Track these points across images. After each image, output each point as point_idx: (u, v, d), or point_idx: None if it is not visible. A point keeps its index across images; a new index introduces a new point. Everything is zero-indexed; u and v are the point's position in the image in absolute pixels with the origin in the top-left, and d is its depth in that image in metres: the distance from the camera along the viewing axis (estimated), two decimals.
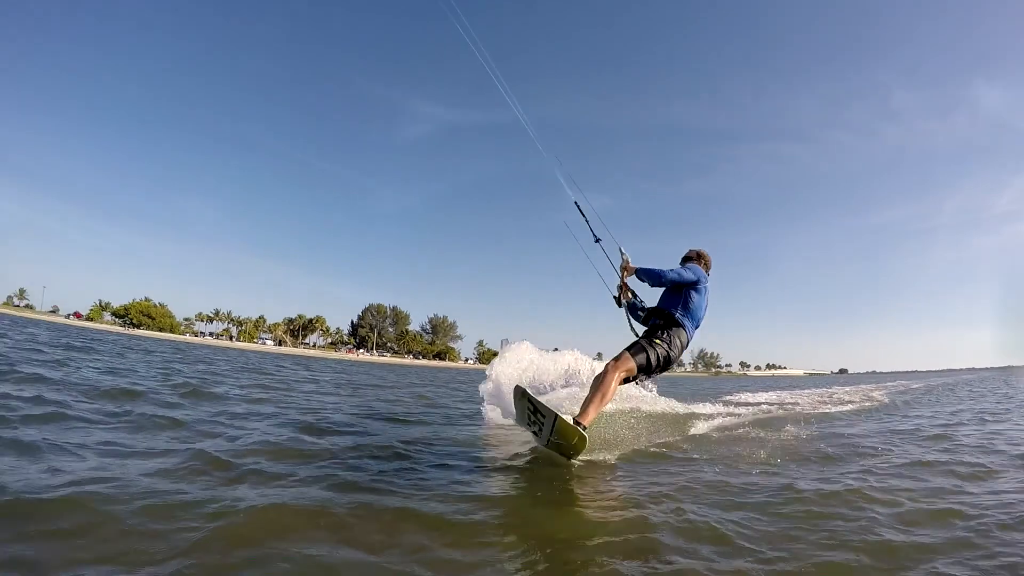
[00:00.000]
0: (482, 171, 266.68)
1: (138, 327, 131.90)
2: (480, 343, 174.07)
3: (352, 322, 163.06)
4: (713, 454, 7.09)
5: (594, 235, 8.02)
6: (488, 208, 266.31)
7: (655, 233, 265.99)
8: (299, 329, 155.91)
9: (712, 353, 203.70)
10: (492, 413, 9.93)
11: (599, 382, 6.38)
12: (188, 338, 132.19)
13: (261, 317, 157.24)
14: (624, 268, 7.63)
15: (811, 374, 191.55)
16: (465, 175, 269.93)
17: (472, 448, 7.25)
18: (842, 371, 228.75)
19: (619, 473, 5.96)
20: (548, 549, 3.56)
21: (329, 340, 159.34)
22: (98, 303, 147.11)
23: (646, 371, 6.73)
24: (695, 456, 6.86)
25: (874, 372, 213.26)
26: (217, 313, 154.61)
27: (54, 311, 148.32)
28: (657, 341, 6.84)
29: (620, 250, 7.71)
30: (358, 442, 6.79)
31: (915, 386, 33.18)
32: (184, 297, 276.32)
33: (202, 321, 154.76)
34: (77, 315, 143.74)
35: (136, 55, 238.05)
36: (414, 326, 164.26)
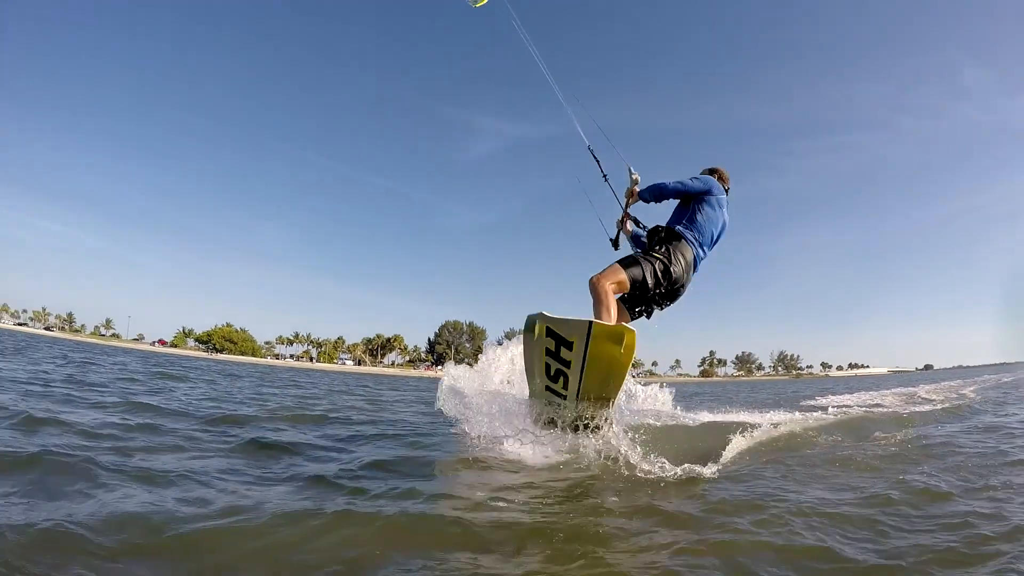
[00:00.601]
0: (553, 184, 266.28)
1: (221, 352, 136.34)
2: None
3: (429, 339, 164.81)
4: (807, 469, 6.51)
5: (603, 173, 7.23)
6: (560, 220, 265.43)
7: (730, 236, 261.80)
8: (378, 348, 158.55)
9: (792, 355, 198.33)
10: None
11: (595, 299, 5.81)
12: (269, 361, 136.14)
13: (340, 338, 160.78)
14: (630, 193, 6.90)
15: (895, 371, 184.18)
16: (537, 188, 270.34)
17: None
18: (927, 367, 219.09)
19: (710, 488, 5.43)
20: None
21: (407, 358, 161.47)
22: (182, 330, 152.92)
23: (642, 292, 6.16)
24: (786, 474, 6.32)
25: (960, 367, 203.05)
26: (297, 335, 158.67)
27: (139, 339, 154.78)
28: (654, 254, 6.23)
29: (629, 170, 6.87)
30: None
31: (1006, 379, 31.65)
32: (264, 321, 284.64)
33: (282, 344, 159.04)
34: (162, 342, 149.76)
35: (207, 91, 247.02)
36: (490, 341, 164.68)
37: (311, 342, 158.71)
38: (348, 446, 7.56)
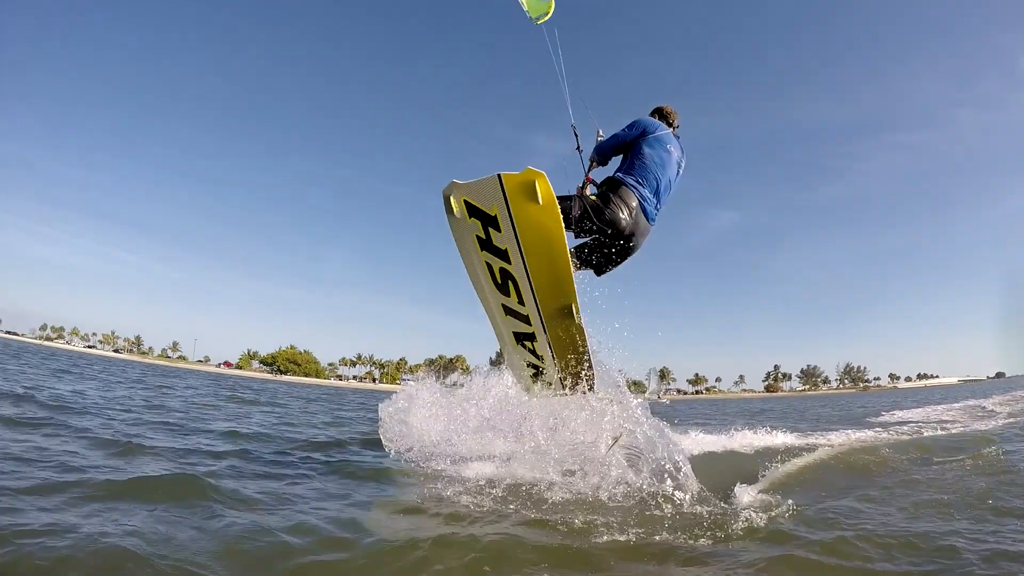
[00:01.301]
0: None
1: (285, 373, 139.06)
2: (620, 372, 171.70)
3: (490, 359, 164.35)
4: (878, 493, 6.16)
5: (577, 146, 6.98)
6: None
7: (792, 243, 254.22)
8: (440, 369, 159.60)
9: (859, 367, 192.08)
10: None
11: None
12: (333, 382, 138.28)
13: (402, 359, 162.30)
14: (592, 159, 6.76)
15: (966, 381, 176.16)
16: None
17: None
18: (999, 375, 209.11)
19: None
20: None
21: (470, 378, 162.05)
22: (246, 352, 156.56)
23: (566, 223, 5.61)
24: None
25: None
26: (360, 357, 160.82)
27: (204, 361, 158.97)
28: (587, 194, 6.10)
29: (597, 133, 6.78)
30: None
31: None
32: (327, 343, 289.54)
33: (345, 365, 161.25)
34: (227, 364, 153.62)
35: (269, 125, 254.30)
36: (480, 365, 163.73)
37: (374, 363, 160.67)
38: (428, 468, 7.60)
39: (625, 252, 6.34)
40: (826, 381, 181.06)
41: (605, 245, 6.24)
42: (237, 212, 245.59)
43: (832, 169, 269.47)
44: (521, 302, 5.86)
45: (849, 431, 12.34)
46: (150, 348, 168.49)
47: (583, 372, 6.51)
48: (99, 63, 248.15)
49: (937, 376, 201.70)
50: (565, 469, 6.64)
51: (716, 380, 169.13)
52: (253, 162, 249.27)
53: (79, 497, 4.91)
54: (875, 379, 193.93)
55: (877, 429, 12.71)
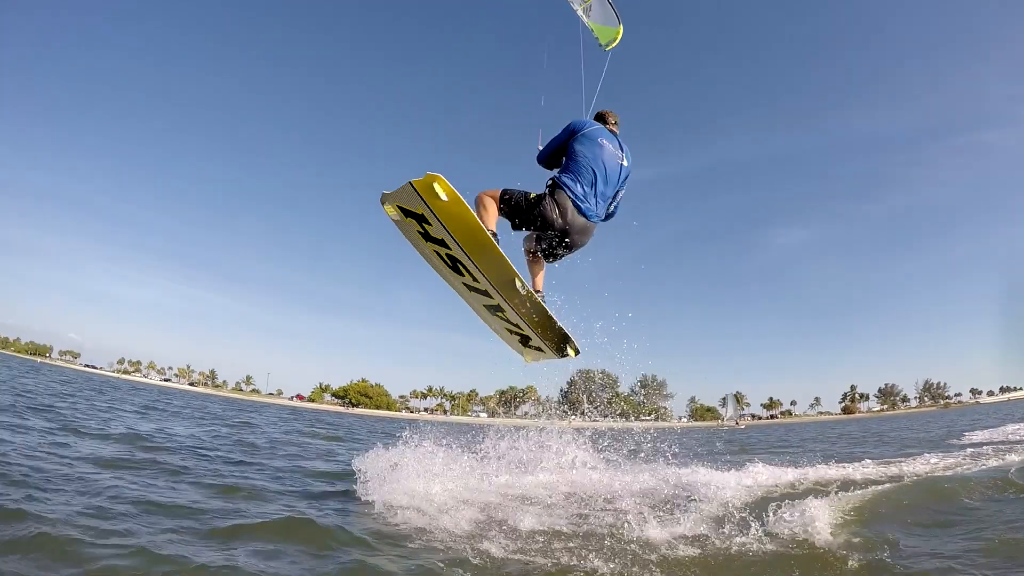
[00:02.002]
0: (675, 225, 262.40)
1: (356, 406, 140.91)
2: (692, 399, 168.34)
3: (562, 389, 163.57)
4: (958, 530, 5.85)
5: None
6: (688, 259, 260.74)
7: (862, 257, 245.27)
8: (511, 400, 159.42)
9: (939, 383, 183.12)
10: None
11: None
12: (404, 415, 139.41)
13: (473, 391, 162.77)
14: None
15: None
16: (659, 230, 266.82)
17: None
18: None
19: None
20: None
21: (541, 409, 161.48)
22: (319, 385, 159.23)
23: (509, 212, 6.50)
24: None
25: None
26: (430, 389, 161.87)
27: (277, 394, 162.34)
28: (531, 195, 6.56)
29: (539, 140, 7.30)
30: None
31: None
32: (398, 375, 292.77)
33: (416, 397, 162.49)
34: (299, 397, 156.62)
35: (331, 159, 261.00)
36: (623, 388, 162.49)
37: (444, 395, 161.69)
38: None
39: (568, 245, 6.70)
40: (905, 400, 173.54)
41: (546, 238, 6.63)
42: (307, 250, 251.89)
43: (897, 178, 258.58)
44: (475, 280, 6.60)
45: (931, 456, 11.95)
46: (224, 381, 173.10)
47: (561, 336, 7.12)
48: (165, 110, 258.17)
49: (1020, 388, 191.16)
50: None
51: (791, 404, 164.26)
52: (321, 204, 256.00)
53: (198, 539, 5.22)
54: (956, 395, 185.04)
55: (959, 453, 12.32)
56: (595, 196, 6.56)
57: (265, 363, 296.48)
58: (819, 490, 8.69)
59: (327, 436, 22.02)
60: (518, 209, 6.50)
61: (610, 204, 6.99)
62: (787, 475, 11.12)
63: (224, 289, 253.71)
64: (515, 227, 6.74)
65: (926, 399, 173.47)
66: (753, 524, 5.85)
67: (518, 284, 6.45)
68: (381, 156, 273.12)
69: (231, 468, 10.28)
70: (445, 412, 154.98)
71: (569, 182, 6.46)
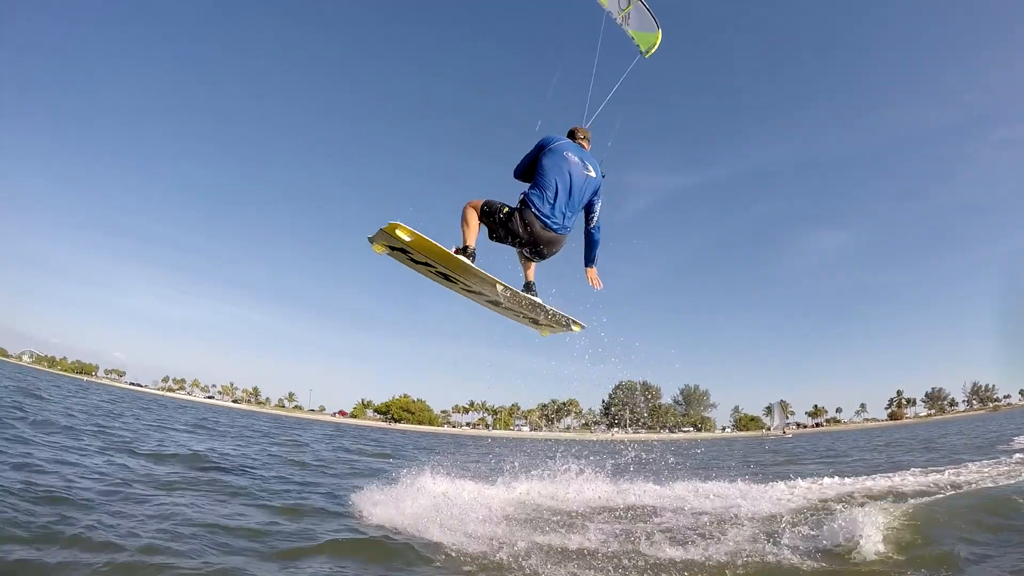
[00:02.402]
0: (712, 232, 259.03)
1: (398, 422, 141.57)
2: (736, 409, 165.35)
3: (603, 401, 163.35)
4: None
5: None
6: (726, 267, 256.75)
7: (904, 257, 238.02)
8: (553, 413, 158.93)
9: (987, 385, 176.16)
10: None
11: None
12: (446, 429, 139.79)
13: (515, 404, 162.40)
14: None
15: None
16: (697, 238, 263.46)
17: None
18: None
19: None
20: None
21: (583, 422, 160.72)
22: (361, 401, 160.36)
23: (487, 223, 6.99)
24: None
25: None
26: (472, 403, 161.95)
27: (320, 410, 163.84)
28: (504, 210, 6.99)
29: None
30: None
31: None
32: (440, 391, 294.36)
33: (458, 412, 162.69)
34: (342, 413, 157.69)
35: (371, 179, 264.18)
36: (665, 399, 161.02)
37: (486, 409, 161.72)
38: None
39: (541, 253, 7.18)
40: (953, 404, 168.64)
41: (518, 246, 7.15)
42: (344, 267, 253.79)
43: (940, 175, 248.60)
44: (469, 285, 7.34)
45: (982, 463, 11.70)
46: (267, 398, 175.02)
47: (560, 318, 7.83)
48: (205, 134, 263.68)
49: None
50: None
51: (836, 411, 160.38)
52: (359, 223, 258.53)
53: (268, 561, 5.38)
54: (1005, 397, 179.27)
55: (1010, 459, 12.06)
56: (561, 210, 6.89)
57: (307, 380, 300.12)
58: (869, 501, 8.63)
59: (375, 453, 22.27)
60: (493, 223, 6.98)
61: (587, 216, 7.36)
62: (837, 486, 11.03)
63: (265, 308, 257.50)
64: (491, 238, 7.16)
65: (974, 402, 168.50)
66: (803, 538, 5.86)
67: (499, 289, 7.19)
68: (411, 170, 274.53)
69: (288, 487, 10.52)
70: (487, 426, 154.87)
71: (535, 199, 6.83)
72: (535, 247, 7.01)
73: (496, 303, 7.83)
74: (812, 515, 7.61)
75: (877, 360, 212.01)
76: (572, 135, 7.45)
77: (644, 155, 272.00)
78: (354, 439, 33.97)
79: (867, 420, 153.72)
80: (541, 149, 7.08)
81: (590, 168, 7.11)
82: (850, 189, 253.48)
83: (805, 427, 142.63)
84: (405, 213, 6.72)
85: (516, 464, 11.24)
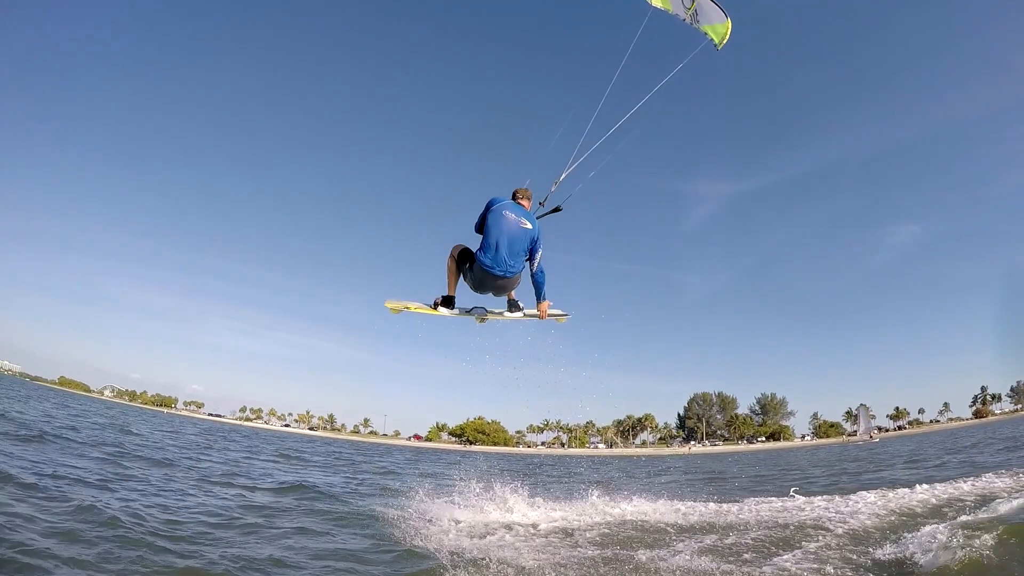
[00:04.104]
0: (779, 236, 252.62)
1: (473, 444, 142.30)
2: (815, 415, 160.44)
3: (679, 415, 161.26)
4: None
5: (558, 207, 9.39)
6: (797, 269, 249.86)
7: (982, 245, 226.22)
8: (629, 429, 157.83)
9: None
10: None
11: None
12: (520, 449, 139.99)
13: (590, 422, 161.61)
14: None
15: None
16: (765, 242, 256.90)
17: None
18: None
19: None
20: None
21: (659, 436, 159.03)
22: (435, 425, 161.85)
23: (460, 266, 8.66)
24: None
25: None
26: (547, 423, 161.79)
27: (395, 435, 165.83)
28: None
29: None
30: None
31: None
32: (513, 411, 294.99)
33: (533, 432, 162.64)
34: (417, 437, 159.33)
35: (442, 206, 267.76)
36: (742, 409, 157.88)
37: (561, 428, 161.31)
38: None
39: (497, 290, 8.78)
40: (996, 398, 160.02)
41: (481, 290, 8.79)
42: (414, 295, 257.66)
43: (1009, 156, 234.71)
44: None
45: None
46: (342, 425, 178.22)
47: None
48: (267, 171, 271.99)
49: None
50: None
51: (919, 412, 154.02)
52: (425, 250, 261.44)
53: None
54: None
55: None
56: (503, 259, 8.25)
57: (380, 405, 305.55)
58: (964, 507, 8.64)
59: (473, 478, 22.69)
60: (460, 268, 8.71)
61: (530, 262, 8.61)
62: (936, 493, 11.00)
63: (334, 336, 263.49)
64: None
65: (1022, 403, 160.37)
66: (898, 552, 6.01)
67: (477, 323, 9.34)
68: (467, 185, 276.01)
69: (385, 511, 11.06)
70: (563, 445, 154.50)
71: (480, 254, 8.32)
72: (491, 288, 8.61)
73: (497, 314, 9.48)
74: (904, 525, 7.73)
75: (958, 356, 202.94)
76: (514, 195, 8.80)
77: (705, 163, 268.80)
78: (434, 463, 34.61)
79: (951, 419, 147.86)
80: (487, 209, 8.42)
81: (526, 223, 8.38)
82: (917, 178, 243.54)
83: (887, 430, 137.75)
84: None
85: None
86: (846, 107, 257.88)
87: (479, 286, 8.58)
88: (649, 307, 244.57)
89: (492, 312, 9.24)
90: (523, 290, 9.02)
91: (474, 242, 8.62)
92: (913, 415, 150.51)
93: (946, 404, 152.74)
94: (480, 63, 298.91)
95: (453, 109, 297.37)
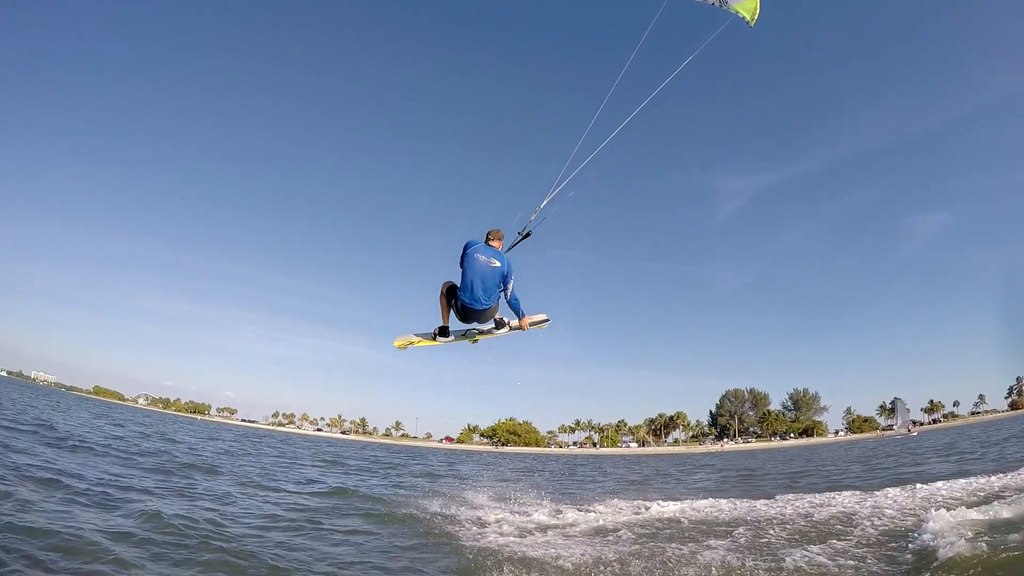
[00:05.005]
0: (807, 228, 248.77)
1: (505, 445, 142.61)
2: (848, 410, 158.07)
3: (711, 412, 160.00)
4: None
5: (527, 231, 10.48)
6: (825, 266, 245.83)
7: (1014, 230, 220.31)
8: (660, 428, 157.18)
9: None
10: None
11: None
12: (552, 450, 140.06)
13: (621, 421, 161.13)
14: None
15: None
16: (791, 237, 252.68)
17: None
18: None
19: None
20: None
21: (691, 434, 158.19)
22: (467, 427, 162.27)
23: (448, 300, 9.78)
24: None
25: None
26: (578, 423, 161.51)
27: (427, 438, 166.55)
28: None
29: None
30: None
31: None
32: (544, 412, 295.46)
33: (564, 432, 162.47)
34: (449, 439, 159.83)
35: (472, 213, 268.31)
36: (774, 405, 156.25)
37: (592, 428, 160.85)
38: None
39: (478, 318, 9.77)
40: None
41: (464, 320, 9.91)
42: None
43: None
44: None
45: None
46: (374, 428, 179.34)
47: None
48: (295, 179, 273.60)
49: None
50: None
51: (953, 405, 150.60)
52: (450, 248, 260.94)
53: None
54: None
55: None
56: (478, 295, 9.40)
57: (411, 408, 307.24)
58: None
59: (509, 479, 23.02)
60: (448, 302, 9.80)
61: (504, 291, 9.70)
62: (978, 486, 11.05)
63: (362, 341, 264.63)
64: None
65: None
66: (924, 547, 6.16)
67: (471, 344, 10.56)
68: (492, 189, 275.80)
69: (438, 515, 11.45)
70: (594, 445, 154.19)
71: (460, 291, 9.48)
72: (474, 318, 9.72)
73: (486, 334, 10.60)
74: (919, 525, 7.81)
75: (992, 346, 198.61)
76: (487, 237, 9.87)
77: (730, 158, 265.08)
78: (472, 464, 34.93)
79: (987, 412, 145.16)
80: (464, 250, 9.52)
81: (495, 262, 9.48)
82: (943, 166, 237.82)
83: (921, 424, 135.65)
84: None
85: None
86: (871, 97, 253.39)
87: (464, 318, 9.72)
88: (679, 304, 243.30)
89: (483, 332, 10.36)
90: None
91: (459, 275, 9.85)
92: (948, 408, 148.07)
93: (981, 396, 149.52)
94: (506, 76, 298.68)
95: (482, 121, 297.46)
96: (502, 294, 9.69)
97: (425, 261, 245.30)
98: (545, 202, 10.18)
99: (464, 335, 10.32)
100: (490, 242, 9.82)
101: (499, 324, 10.24)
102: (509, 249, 10.12)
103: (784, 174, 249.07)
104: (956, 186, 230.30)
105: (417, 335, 10.27)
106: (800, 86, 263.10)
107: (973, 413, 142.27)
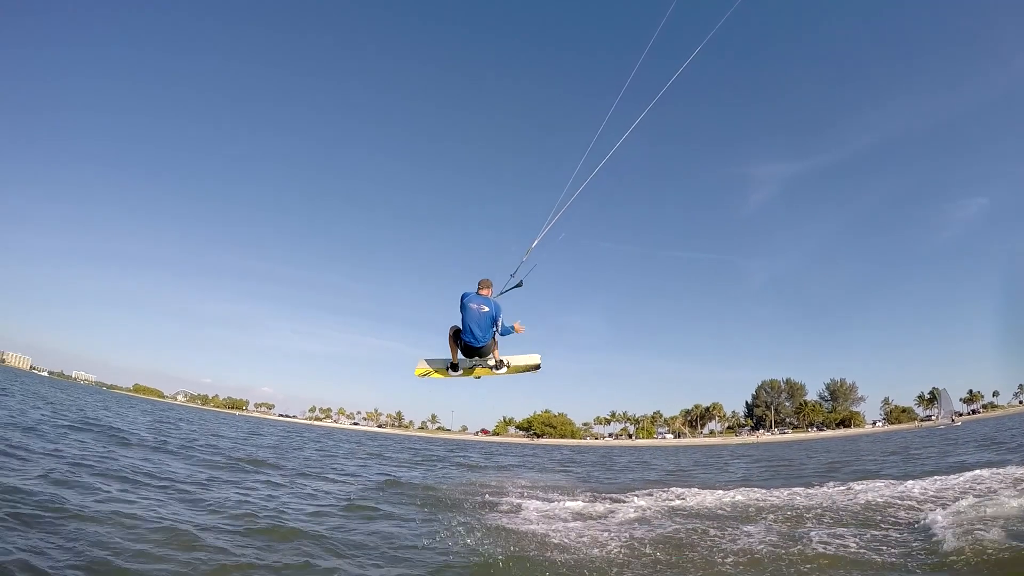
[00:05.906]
0: (842, 215, 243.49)
1: (540, 437, 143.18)
2: (886, 400, 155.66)
3: (747, 403, 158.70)
4: None
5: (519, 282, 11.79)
6: (860, 253, 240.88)
7: None
8: (696, 419, 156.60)
9: None
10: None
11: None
12: (588, 441, 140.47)
13: (657, 412, 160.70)
14: None
15: None
16: (826, 224, 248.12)
17: None
18: None
19: None
20: None
21: (727, 425, 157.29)
22: (503, 419, 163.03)
23: (455, 342, 11.54)
24: None
25: None
26: (613, 414, 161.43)
27: (462, 430, 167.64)
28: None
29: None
30: None
31: None
32: (580, 403, 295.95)
33: (600, 424, 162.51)
34: (484, 432, 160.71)
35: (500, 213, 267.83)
36: (811, 395, 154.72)
37: (628, 419, 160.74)
38: None
39: (479, 354, 11.59)
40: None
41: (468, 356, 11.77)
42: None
43: None
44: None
45: None
46: (410, 422, 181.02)
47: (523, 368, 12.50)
48: (327, 182, 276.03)
49: None
50: None
51: (993, 395, 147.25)
52: (487, 242, 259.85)
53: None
54: None
55: None
56: (476, 336, 11.16)
57: (446, 401, 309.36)
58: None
59: (549, 469, 23.62)
60: (456, 342, 11.55)
61: (495, 326, 11.32)
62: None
63: (395, 334, 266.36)
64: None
65: None
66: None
67: (474, 378, 12.47)
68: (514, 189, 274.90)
69: (482, 505, 12.27)
70: (630, 436, 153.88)
71: (461, 334, 11.26)
72: (476, 355, 11.54)
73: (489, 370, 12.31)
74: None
75: None
76: (479, 287, 11.44)
77: (761, 145, 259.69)
78: (508, 456, 35.68)
79: None
80: (461, 303, 11.20)
81: (485, 307, 11.14)
82: (980, 150, 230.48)
83: (961, 414, 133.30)
84: None
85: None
86: (905, 79, 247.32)
87: (468, 354, 11.54)
88: (713, 295, 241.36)
89: (485, 370, 12.12)
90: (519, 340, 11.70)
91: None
92: (988, 398, 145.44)
93: (1021, 386, 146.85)
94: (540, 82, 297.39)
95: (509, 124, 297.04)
96: (495, 331, 11.34)
97: (453, 258, 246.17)
98: (536, 243, 11.43)
99: (470, 370, 12.00)
100: (480, 291, 11.43)
101: (499, 365, 12.01)
102: (500, 294, 11.62)
103: (817, 161, 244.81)
104: (994, 169, 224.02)
105: (434, 368, 12.06)
106: (831, 69, 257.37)
107: (992, 405, 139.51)
